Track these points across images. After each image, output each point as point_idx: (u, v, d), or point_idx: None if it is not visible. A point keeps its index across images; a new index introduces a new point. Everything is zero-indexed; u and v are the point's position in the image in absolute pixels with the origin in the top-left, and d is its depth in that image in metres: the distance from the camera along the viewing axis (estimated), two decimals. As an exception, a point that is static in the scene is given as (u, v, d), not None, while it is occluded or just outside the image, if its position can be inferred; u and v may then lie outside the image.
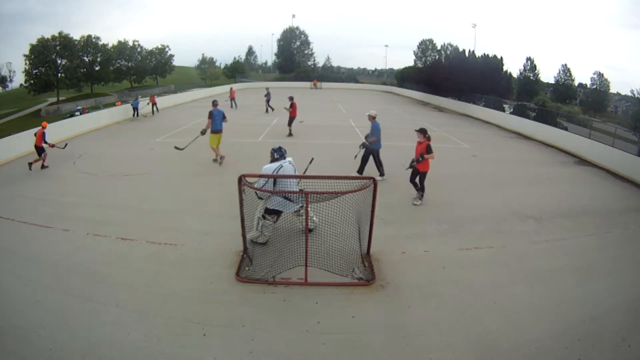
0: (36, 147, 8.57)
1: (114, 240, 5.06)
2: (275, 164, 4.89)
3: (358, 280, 4.19)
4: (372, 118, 7.82)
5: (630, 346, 3.36)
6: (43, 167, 8.66)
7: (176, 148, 9.24)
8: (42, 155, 8.65)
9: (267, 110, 18.55)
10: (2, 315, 3.56)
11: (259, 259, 4.54)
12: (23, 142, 10.22)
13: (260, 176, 4.50)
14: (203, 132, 8.75)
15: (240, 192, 4.22)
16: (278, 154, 5.01)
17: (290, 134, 12.49)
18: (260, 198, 4.81)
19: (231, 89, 22.14)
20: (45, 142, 8.62)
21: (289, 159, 5.06)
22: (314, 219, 4.90)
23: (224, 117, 8.75)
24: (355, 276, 4.24)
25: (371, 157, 7.91)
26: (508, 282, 4.32)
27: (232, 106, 20.18)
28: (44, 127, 8.86)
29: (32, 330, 3.36)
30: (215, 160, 8.97)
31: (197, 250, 4.84)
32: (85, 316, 3.56)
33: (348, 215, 4.48)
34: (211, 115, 8.49)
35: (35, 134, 8.69)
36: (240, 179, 4.16)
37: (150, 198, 6.72)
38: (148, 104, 18.45)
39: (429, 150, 6.45)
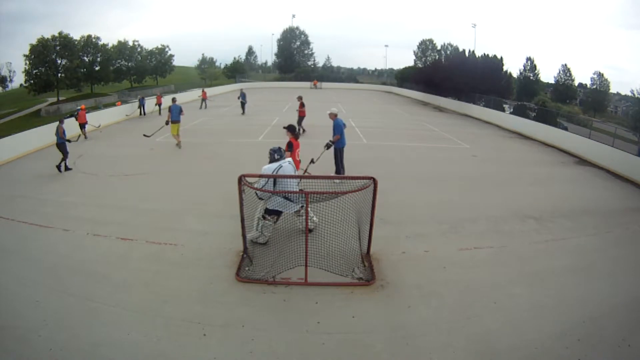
0: (80, 124, 12.04)
1: (114, 240, 5.06)
2: (275, 164, 4.88)
3: (358, 280, 4.19)
4: (334, 116, 7.73)
5: (630, 346, 3.36)
6: (86, 137, 11.97)
7: (145, 135, 10.95)
8: (85, 129, 12.05)
9: (243, 113, 18.02)
10: (2, 315, 3.56)
11: (259, 259, 4.54)
12: (23, 142, 10.25)
13: (260, 176, 4.51)
14: (167, 123, 10.48)
15: (240, 192, 4.22)
16: (278, 154, 5.01)
17: (303, 132, 12.63)
18: (260, 198, 4.81)
19: (203, 90, 22.50)
20: (86, 122, 11.97)
21: (288, 159, 5.06)
22: (314, 219, 4.91)
23: (181, 111, 10.65)
24: (355, 276, 4.24)
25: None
26: (508, 282, 4.31)
27: (201, 107, 20.20)
28: (83, 109, 12.51)
29: (32, 330, 3.35)
30: (177, 145, 10.58)
31: (197, 250, 4.84)
32: (85, 316, 3.56)
33: (348, 215, 4.49)
34: (170, 109, 10.54)
35: (77, 115, 12.26)
36: (240, 179, 4.17)
37: (150, 198, 6.72)
38: (156, 104, 18.26)
39: (289, 147, 5.93)
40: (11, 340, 3.24)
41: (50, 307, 3.68)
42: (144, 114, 17.67)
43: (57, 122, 8.75)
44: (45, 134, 11.30)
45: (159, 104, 18.27)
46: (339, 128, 7.56)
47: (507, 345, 3.33)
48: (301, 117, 12.68)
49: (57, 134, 8.34)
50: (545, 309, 3.85)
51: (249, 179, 4.29)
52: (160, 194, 6.97)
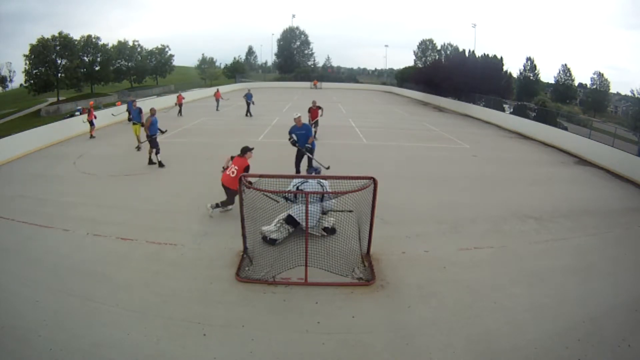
0: (90, 121, 12.20)
1: (114, 240, 5.06)
2: (299, 180, 5.10)
3: (358, 280, 4.19)
4: (298, 121, 7.46)
5: (630, 346, 3.36)
6: (92, 137, 12.03)
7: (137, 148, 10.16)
8: (93, 126, 12.19)
9: (247, 114, 17.18)
10: (2, 315, 3.56)
11: (259, 259, 4.54)
12: (23, 142, 10.24)
13: (260, 176, 4.51)
14: (129, 119, 11.51)
15: (240, 192, 4.22)
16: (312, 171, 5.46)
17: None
18: (287, 199, 4.95)
19: (217, 90, 21.59)
20: (92, 121, 12.23)
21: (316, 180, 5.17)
22: (331, 219, 5.04)
23: (140, 112, 11.12)
24: (355, 276, 4.24)
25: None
26: (508, 282, 4.32)
27: (218, 108, 19.47)
28: (91, 105, 13.04)
29: (32, 330, 3.35)
30: (137, 147, 10.50)
31: (197, 250, 4.84)
32: (85, 316, 3.56)
33: (348, 215, 4.49)
34: (130, 112, 11.58)
35: (88, 111, 12.46)
36: (240, 179, 4.17)
37: (150, 198, 6.72)
38: (176, 104, 17.59)
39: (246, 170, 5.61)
40: (11, 340, 3.24)
41: (50, 307, 3.68)
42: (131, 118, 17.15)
43: (150, 115, 8.66)
44: (45, 134, 11.32)
45: (179, 104, 17.55)
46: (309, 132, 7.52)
47: (507, 345, 3.33)
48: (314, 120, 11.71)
49: (154, 127, 8.46)
50: (545, 309, 3.85)
51: (249, 179, 4.29)
52: (160, 194, 6.97)
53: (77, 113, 25.21)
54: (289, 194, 5.01)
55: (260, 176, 4.51)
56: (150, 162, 8.80)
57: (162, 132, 8.72)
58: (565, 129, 17.13)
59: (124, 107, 17.32)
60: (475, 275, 4.44)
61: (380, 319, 3.64)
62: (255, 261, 4.51)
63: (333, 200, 5.02)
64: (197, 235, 5.21)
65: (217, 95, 20.14)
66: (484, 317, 3.70)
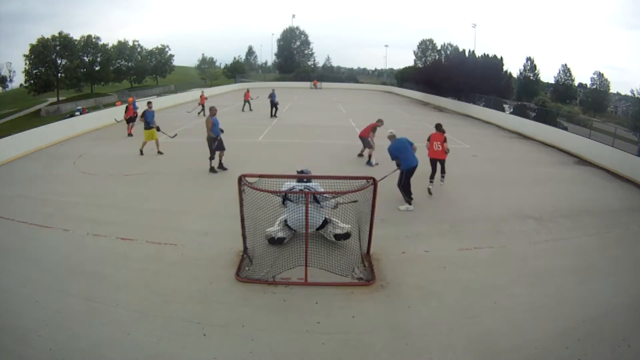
0: (127, 118, 12.62)
1: (114, 240, 5.06)
2: (291, 183, 4.96)
3: (358, 280, 4.19)
4: (391, 137, 6.91)
5: (630, 346, 3.36)
6: (130, 134, 12.25)
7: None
8: (131, 124, 12.48)
9: (272, 114, 16.94)
10: (2, 315, 3.56)
11: (259, 259, 4.54)
12: (23, 142, 10.24)
13: (260, 176, 4.51)
14: (148, 127, 9.90)
15: (240, 192, 4.22)
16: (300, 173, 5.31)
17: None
18: (287, 200, 4.91)
19: (247, 90, 20.56)
20: (134, 114, 12.58)
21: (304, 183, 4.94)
22: (341, 225, 4.89)
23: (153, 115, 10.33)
24: (355, 276, 4.24)
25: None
26: (508, 282, 4.32)
27: (244, 109, 19.05)
28: (131, 101, 13.07)
29: (32, 330, 3.35)
30: (158, 152, 9.98)
31: (197, 250, 4.84)
32: (85, 316, 3.56)
33: (348, 215, 4.49)
34: (144, 115, 9.91)
35: (126, 108, 12.88)
36: (240, 179, 4.17)
37: (150, 198, 6.72)
38: (199, 104, 17.29)
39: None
40: (11, 340, 3.24)
41: (50, 307, 3.68)
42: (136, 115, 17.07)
43: (210, 115, 7.97)
44: (45, 134, 11.31)
45: (202, 104, 17.26)
46: (390, 150, 6.64)
47: (507, 345, 3.33)
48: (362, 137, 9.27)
49: (216, 127, 7.85)
50: (545, 309, 3.85)
51: (249, 179, 4.30)
52: (160, 194, 6.97)
53: (77, 113, 25.24)
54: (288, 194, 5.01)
55: (260, 176, 4.51)
56: (220, 165, 8.32)
57: (222, 132, 8.05)
58: (565, 129, 17.13)
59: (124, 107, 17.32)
60: (475, 275, 4.44)
61: (380, 319, 3.63)
62: (255, 261, 4.51)
63: (332, 201, 4.99)
64: (197, 235, 5.21)
65: (246, 97, 19.31)
66: (484, 317, 3.70)
